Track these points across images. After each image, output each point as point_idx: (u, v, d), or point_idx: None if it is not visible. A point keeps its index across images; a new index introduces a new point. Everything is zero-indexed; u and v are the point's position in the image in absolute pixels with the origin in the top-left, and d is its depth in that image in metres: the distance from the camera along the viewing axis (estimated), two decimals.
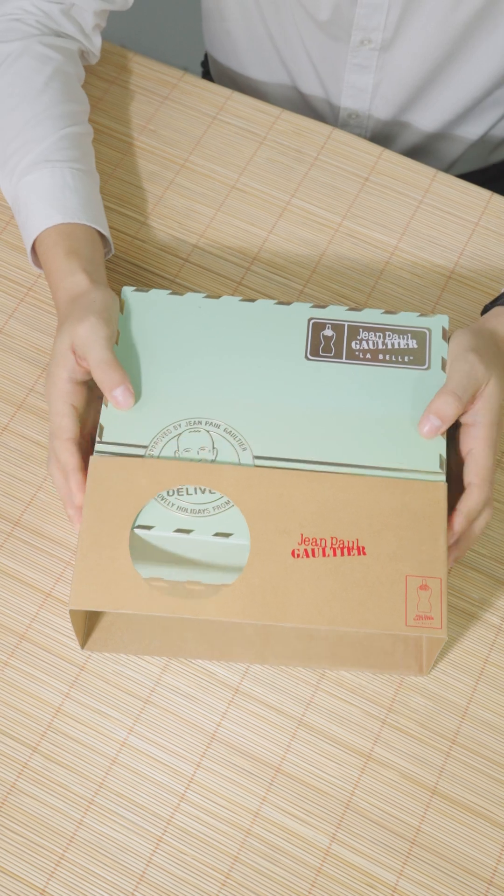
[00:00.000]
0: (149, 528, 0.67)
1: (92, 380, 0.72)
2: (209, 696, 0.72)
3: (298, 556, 0.66)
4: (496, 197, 0.90)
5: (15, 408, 0.81)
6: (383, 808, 0.70)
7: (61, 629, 0.74)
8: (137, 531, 0.67)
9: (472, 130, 1.01)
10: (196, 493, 0.68)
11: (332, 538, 0.66)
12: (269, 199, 0.89)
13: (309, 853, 0.68)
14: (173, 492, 0.68)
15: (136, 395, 0.71)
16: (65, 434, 0.70)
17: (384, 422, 0.71)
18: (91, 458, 0.69)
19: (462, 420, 0.71)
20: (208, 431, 0.70)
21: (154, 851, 0.68)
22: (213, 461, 0.69)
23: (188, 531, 0.67)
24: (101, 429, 0.70)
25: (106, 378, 0.69)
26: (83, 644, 0.72)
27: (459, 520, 0.68)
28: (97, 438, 0.70)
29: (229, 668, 0.73)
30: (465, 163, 1.06)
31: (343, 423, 0.71)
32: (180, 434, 0.70)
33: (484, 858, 0.68)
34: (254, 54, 1.01)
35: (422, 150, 1.03)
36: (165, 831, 0.69)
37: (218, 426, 0.70)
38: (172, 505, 0.68)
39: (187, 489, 0.68)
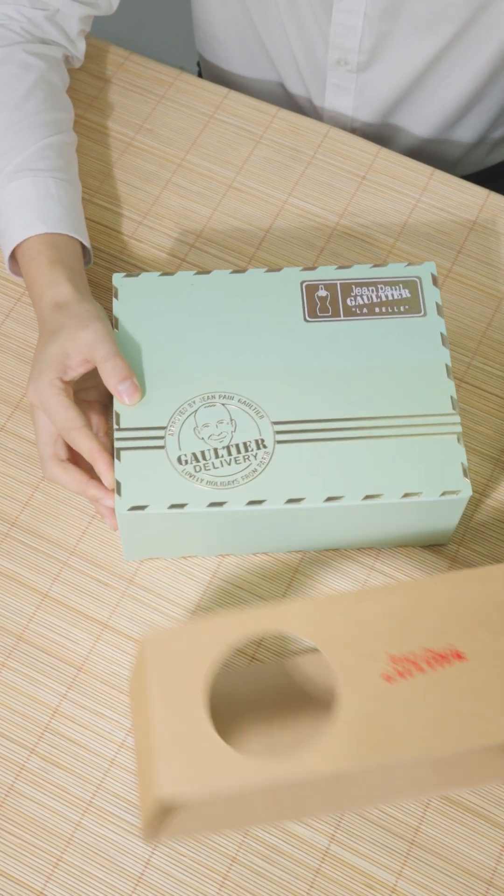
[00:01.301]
0: (182, 506, 0.68)
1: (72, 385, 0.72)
2: None
3: (392, 679, 0.57)
4: (493, 195, 0.90)
5: (12, 408, 0.81)
6: (383, 808, 0.69)
7: (58, 630, 0.74)
8: (172, 511, 0.68)
9: (464, 135, 1.01)
10: (222, 465, 0.69)
11: (423, 650, 0.57)
12: (266, 198, 0.89)
13: (307, 854, 0.68)
14: (200, 468, 0.69)
15: (142, 379, 0.72)
16: (76, 423, 0.69)
17: (391, 372, 0.72)
18: (142, 640, 0.58)
19: None
20: (223, 405, 0.71)
21: (152, 853, 0.68)
22: (232, 433, 0.70)
23: (221, 503, 0.68)
24: (118, 416, 0.71)
25: (115, 371, 0.70)
26: (150, 837, 0.61)
27: None
28: (115, 426, 0.71)
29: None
30: (462, 166, 1.06)
31: (352, 379, 0.72)
32: (196, 411, 0.71)
33: (483, 859, 0.68)
34: (244, 59, 1.01)
35: (414, 155, 1.03)
36: None
37: (232, 398, 0.71)
38: (202, 480, 0.69)
39: (213, 462, 0.69)
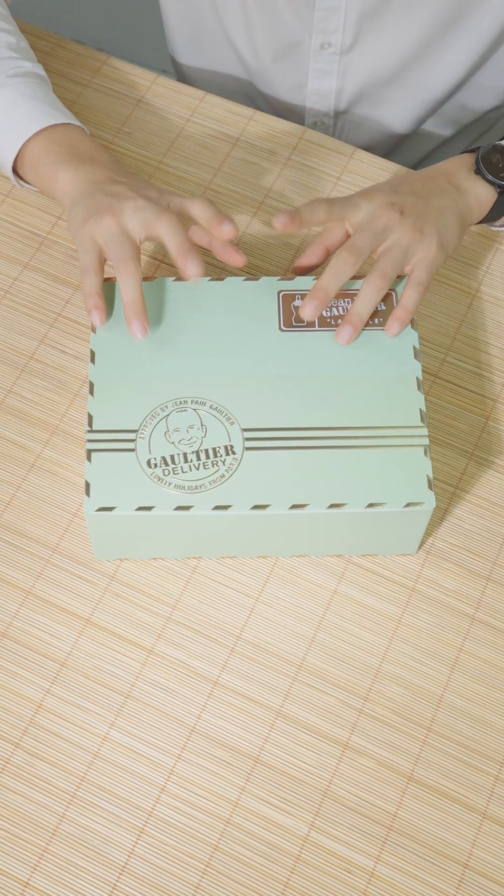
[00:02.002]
0: (149, 508, 0.69)
1: None
2: (189, 690, 0.73)
3: None
4: None
5: None
6: (361, 795, 0.71)
7: (42, 626, 0.75)
8: (139, 513, 0.69)
9: (444, 129, 1.03)
10: (191, 470, 0.70)
11: None
12: (243, 200, 0.91)
13: (288, 841, 0.70)
14: (169, 471, 0.70)
15: (117, 382, 0.73)
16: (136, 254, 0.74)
17: (362, 383, 0.74)
18: None
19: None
20: (195, 409, 0.72)
21: (136, 843, 0.69)
22: (203, 438, 0.71)
23: (188, 507, 0.69)
24: (91, 418, 0.72)
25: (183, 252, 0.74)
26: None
27: (315, 293, 0.73)
28: (87, 427, 0.72)
29: (208, 661, 0.74)
30: (436, 161, 1.07)
31: (324, 389, 0.74)
32: (168, 415, 0.72)
33: (459, 842, 0.70)
34: (212, 58, 1.02)
35: (391, 150, 1.04)
36: (147, 823, 0.70)
37: (203, 403, 0.72)
38: (170, 484, 0.70)
39: (182, 466, 0.70)
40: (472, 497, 0.80)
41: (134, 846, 0.69)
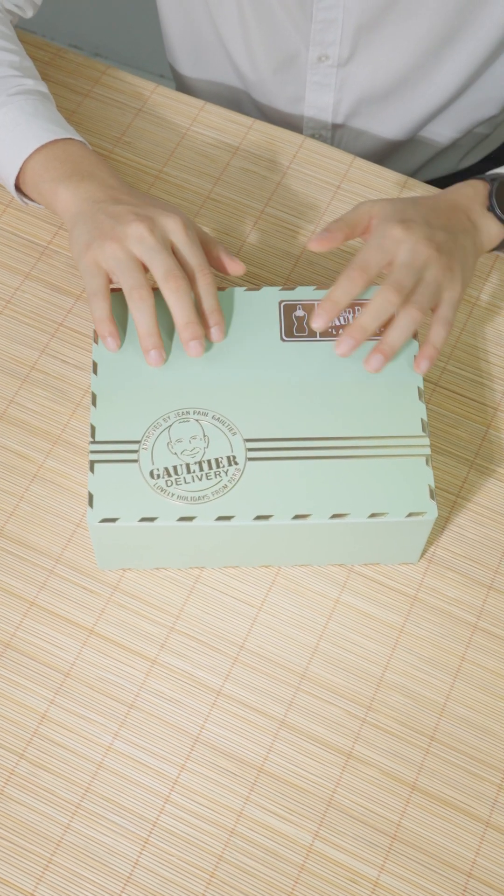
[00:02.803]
0: (152, 519, 0.69)
1: None
2: (192, 700, 0.73)
3: None
4: None
5: None
6: (364, 804, 0.71)
7: (45, 637, 0.75)
8: (142, 524, 0.70)
9: (443, 136, 1.03)
10: (194, 480, 0.70)
11: None
12: (243, 209, 0.91)
13: (292, 851, 0.70)
14: (172, 482, 0.70)
15: (120, 392, 0.74)
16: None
17: (364, 392, 0.74)
18: None
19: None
20: (197, 420, 0.72)
21: (140, 853, 0.70)
22: (205, 448, 0.72)
23: (191, 518, 0.69)
24: (93, 429, 0.72)
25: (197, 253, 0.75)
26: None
27: (325, 305, 0.72)
28: (90, 439, 0.72)
29: (212, 671, 0.74)
30: (435, 168, 1.08)
31: (325, 399, 0.74)
32: (170, 426, 0.72)
33: (463, 851, 0.70)
34: (211, 71, 1.02)
35: (389, 158, 1.05)
36: (151, 833, 0.70)
37: (206, 414, 0.73)
38: (173, 495, 0.70)
39: (185, 477, 0.70)
40: (473, 505, 0.80)
41: (138, 857, 0.70)
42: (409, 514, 0.70)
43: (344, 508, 0.70)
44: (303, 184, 0.92)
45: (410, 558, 0.77)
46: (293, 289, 0.78)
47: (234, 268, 0.77)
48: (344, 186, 0.92)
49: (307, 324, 0.76)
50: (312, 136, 1.02)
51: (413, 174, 1.07)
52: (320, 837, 0.70)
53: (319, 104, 0.98)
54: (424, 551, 0.78)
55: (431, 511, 0.71)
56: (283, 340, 0.76)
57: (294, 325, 0.76)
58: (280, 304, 0.77)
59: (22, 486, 0.80)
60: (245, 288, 0.78)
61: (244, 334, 0.76)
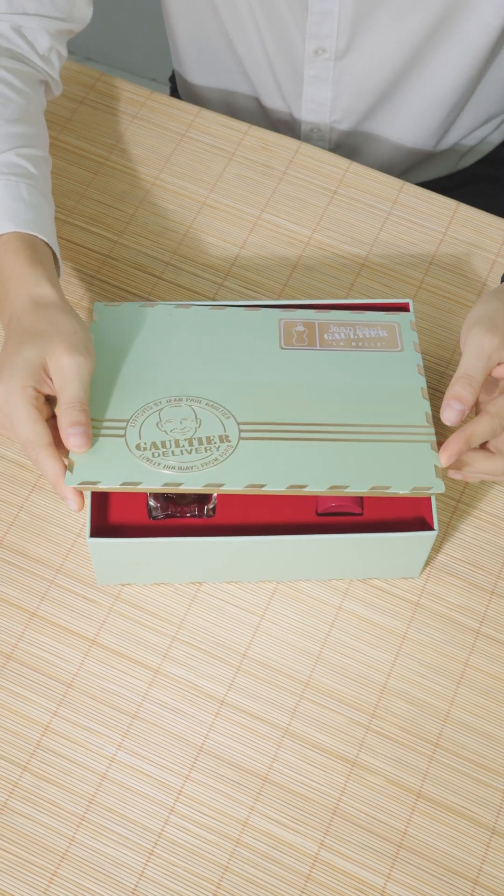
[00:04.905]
0: (136, 483, 0.66)
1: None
2: (196, 709, 0.73)
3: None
4: (462, 206, 0.91)
5: None
6: (370, 812, 0.71)
7: (47, 648, 0.75)
8: (140, 540, 0.68)
9: (442, 140, 1.03)
10: (182, 454, 0.68)
11: None
12: (239, 215, 0.91)
13: (298, 860, 0.70)
14: (158, 454, 0.67)
15: (111, 386, 0.70)
16: (43, 440, 0.66)
17: (366, 387, 0.72)
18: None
19: (500, 375, 0.71)
20: (190, 406, 0.70)
21: (146, 865, 0.69)
22: (196, 428, 0.68)
23: (178, 484, 0.67)
24: None
25: (72, 419, 0.66)
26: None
27: (458, 441, 0.67)
28: None
29: (215, 680, 0.74)
30: (432, 170, 1.08)
31: (325, 391, 0.71)
32: (162, 409, 0.70)
33: (469, 859, 0.70)
34: (217, 70, 1.02)
35: (388, 160, 1.05)
36: (156, 844, 0.70)
37: (199, 401, 0.70)
38: (159, 464, 0.67)
39: (173, 450, 0.68)
40: (474, 511, 0.80)
41: (144, 868, 0.69)
42: (414, 489, 0.67)
43: (343, 481, 0.67)
44: (299, 189, 0.92)
45: (411, 573, 0.76)
46: (294, 310, 0.76)
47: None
48: (340, 191, 0.92)
49: (307, 337, 0.75)
50: (311, 134, 1.01)
51: (412, 174, 1.07)
52: (326, 846, 0.70)
53: (317, 99, 0.97)
54: (425, 567, 0.77)
55: (438, 486, 0.67)
56: (283, 349, 0.75)
57: (294, 338, 0.75)
58: (280, 321, 0.76)
59: (22, 496, 0.79)
60: (245, 307, 0.76)
61: (243, 345, 0.74)
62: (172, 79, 1.17)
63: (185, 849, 0.70)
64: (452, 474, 0.70)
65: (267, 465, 0.67)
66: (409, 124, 0.99)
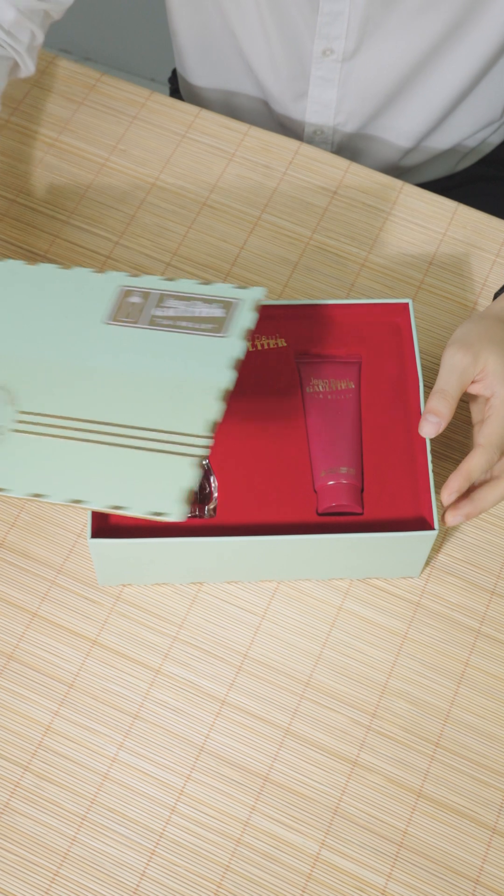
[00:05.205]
0: None
1: None
2: (197, 709, 0.73)
3: None
4: (462, 207, 0.92)
5: None
6: (371, 812, 0.71)
7: (49, 648, 0.75)
8: (142, 540, 0.68)
9: (443, 141, 1.03)
10: None
11: None
12: (239, 216, 0.91)
13: (299, 860, 0.70)
14: None
15: None
16: None
17: (158, 381, 0.65)
18: None
19: (478, 392, 0.73)
20: None
21: (147, 864, 0.69)
22: None
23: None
24: None
25: None
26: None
27: (457, 478, 0.70)
28: None
29: (216, 680, 0.74)
30: (432, 170, 1.08)
31: (122, 385, 0.65)
32: None
33: (470, 858, 0.70)
34: (222, 70, 1.02)
35: (388, 161, 1.05)
36: (158, 844, 0.70)
37: None
38: None
39: None
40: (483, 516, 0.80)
41: (145, 868, 0.69)
42: (151, 513, 0.61)
43: (85, 494, 0.61)
44: (299, 190, 0.92)
45: (411, 572, 0.77)
46: (139, 276, 0.71)
47: None
48: (340, 192, 0.92)
49: (137, 311, 0.69)
50: (314, 135, 1.01)
51: (411, 175, 1.07)
52: (327, 846, 0.70)
53: (322, 100, 0.97)
54: (425, 566, 0.78)
55: (175, 513, 0.60)
56: (105, 324, 0.68)
57: (123, 311, 0.68)
58: (120, 288, 0.69)
59: None
60: (93, 269, 0.71)
61: (65, 313, 0.68)
62: (172, 79, 1.17)
63: (186, 848, 0.70)
64: (456, 521, 0.72)
65: (12, 465, 0.62)
66: (410, 127, 0.99)
